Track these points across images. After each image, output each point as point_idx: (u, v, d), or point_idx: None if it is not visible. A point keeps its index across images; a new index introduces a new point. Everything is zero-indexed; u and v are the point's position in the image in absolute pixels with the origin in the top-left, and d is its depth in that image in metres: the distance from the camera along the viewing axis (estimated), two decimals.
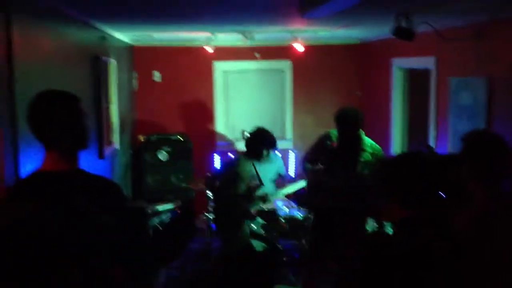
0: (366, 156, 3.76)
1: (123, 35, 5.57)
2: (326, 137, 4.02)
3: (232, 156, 5.85)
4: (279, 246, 4.71)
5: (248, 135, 4.50)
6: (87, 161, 3.62)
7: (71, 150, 1.91)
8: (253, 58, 6.71)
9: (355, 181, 3.74)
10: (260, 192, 4.69)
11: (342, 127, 3.79)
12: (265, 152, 4.44)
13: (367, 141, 3.85)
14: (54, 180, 1.85)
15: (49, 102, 1.86)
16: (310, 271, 3.99)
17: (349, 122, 3.78)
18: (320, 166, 3.97)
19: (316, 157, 4.03)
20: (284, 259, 4.66)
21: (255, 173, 4.51)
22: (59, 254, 1.82)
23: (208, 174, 5.69)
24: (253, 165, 4.48)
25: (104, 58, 4.46)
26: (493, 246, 2.02)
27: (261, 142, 4.40)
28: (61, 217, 1.80)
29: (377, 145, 3.86)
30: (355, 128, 3.79)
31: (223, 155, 6.61)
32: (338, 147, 3.85)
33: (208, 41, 5.60)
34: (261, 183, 4.55)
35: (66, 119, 1.86)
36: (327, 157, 3.90)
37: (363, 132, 3.88)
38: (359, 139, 3.81)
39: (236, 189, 4.33)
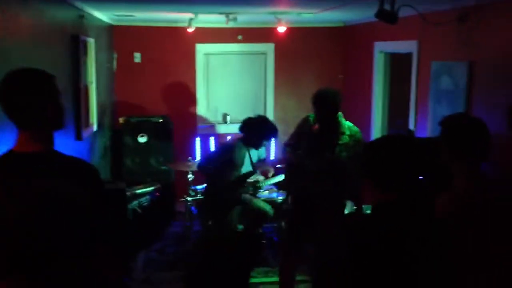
0: (345, 138, 3.73)
1: (102, 14, 5.44)
2: (306, 120, 3.98)
3: (228, 141, 5.77)
4: (259, 229, 4.72)
5: (251, 123, 4.40)
6: (64, 143, 3.55)
7: (45, 130, 1.85)
8: (235, 40, 6.64)
9: (333, 164, 3.72)
10: (252, 178, 4.67)
11: (319, 109, 3.73)
12: (265, 142, 4.41)
13: (346, 123, 3.81)
14: (26, 161, 1.79)
15: (21, 80, 1.79)
16: (286, 254, 3.99)
17: (326, 103, 3.71)
18: (299, 151, 3.94)
19: (296, 142, 4.00)
20: (264, 242, 4.68)
21: (249, 160, 4.47)
22: (35, 239, 1.78)
23: (190, 158, 5.65)
24: (248, 152, 4.44)
25: (82, 37, 4.35)
26: (474, 229, 2.04)
27: (265, 133, 4.33)
28: (34, 200, 1.76)
29: (355, 127, 3.83)
30: (333, 110, 3.73)
31: (204, 137, 6.57)
32: (316, 130, 3.82)
33: (190, 22, 5.51)
34: (254, 170, 4.51)
35: (40, 97, 1.80)
36: (306, 140, 3.87)
37: (342, 115, 3.84)
38: (337, 121, 3.76)
39: (230, 175, 4.27)
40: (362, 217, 1.86)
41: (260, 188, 4.77)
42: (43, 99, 1.80)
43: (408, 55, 4.77)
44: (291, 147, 4.04)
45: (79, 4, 4.29)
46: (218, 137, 6.74)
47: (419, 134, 4.48)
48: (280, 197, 5.00)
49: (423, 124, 4.50)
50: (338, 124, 3.75)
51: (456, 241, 1.72)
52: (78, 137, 4.15)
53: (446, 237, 1.68)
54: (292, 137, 4.09)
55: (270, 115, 6.90)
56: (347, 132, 3.74)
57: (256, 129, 4.35)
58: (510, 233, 2.12)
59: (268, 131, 4.37)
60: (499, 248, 2.08)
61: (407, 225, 1.63)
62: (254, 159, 5.84)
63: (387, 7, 3.35)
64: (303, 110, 5.34)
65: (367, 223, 1.69)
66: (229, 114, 6.80)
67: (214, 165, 4.41)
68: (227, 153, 4.36)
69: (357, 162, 3.66)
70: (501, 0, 3.38)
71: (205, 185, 4.75)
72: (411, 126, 4.69)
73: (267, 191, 5.15)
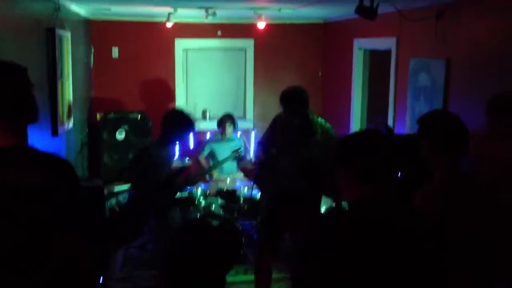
0: (317, 136, 3.73)
1: (79, 8, 5.35)
2: (278, 118, 3.96)
3: (143, 145, 5.37)
4: (238, 226, 4.70)
5: (163, 119, 3.96)
6: (40, 139, 3.47)
7: (18, 124, 1.80)
8: (215, 36, 6.60)
9: (307, 162, 3.72)
10: (195, 176, 4.42)
11: (288, 108, 3.71)
12: (181, 138, 3.98)
13: (317, 120, 3.81)
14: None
15: None
16: (262, 252, 3.99)
17: (294, 102, 3.69)
18: (273, 149, 3.91)
19: (269, 140, 3.97)
20: (243, 239, 4.66)
21: (177, 157, 4.12)
22: (6, 233, 1.73)
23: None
24: (169, 150, 4.05)
25: (58, 31, 4.26)
26: (452, 222, 2.06)
27: (176, 127, 3.89)
28: (7, 194, 1.71)
29: (327, 124, 3.83)
30: (301, 108, 3.71)
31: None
32: (288, 128, 3.79)
33: (169, 17, 5.45)
34: (182, 169, 4.13)
35: (11, 90, 1.75)
36: (279, 138, 3.85)
37: (313, 112, 3.84)
38: (308, 119, 3.75)
39: (154, 178, 3.78)
40: (344, 210, 1.85)
41: (195, 183, 4.54)
42: (14, 91, 1.75)
43: (387, 52, 4.80)
44: (264, 145, 4.02)
45: None
46: (197, 133, 6.70)
47: (398, 130, 4.52)
48: (259, 194, 5.00)
49: (401, 120, 4.54)
50: (309, 121, 3.74)
51: (438, 234, 1.73)
52: (54, 132, 4.06)
53: (429, 229, 1.68)
54: (265, 135, 4.07)
55: (250, 112, 6.88)
56: (319, 130, 3.74)
57: (166, 124, 3.90)
58: (487, 225, 2.15)
59: (178, 123, 3.89)
60: (478, 239, 2.11)
61: (390, 217, 1.63)
62: (225, 154, 5.77)
63: (366, 3, 3.37)
64: None
65: (349, 216, 1.68)
66: (209, 110, 6.76)
67: (136, 170, 3.91)
68: (146, 156, 3.89)
69: (332, 157, 3.65)
70: None
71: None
72: (390, 122, 4.73)
73: (246, 188, 5.13)
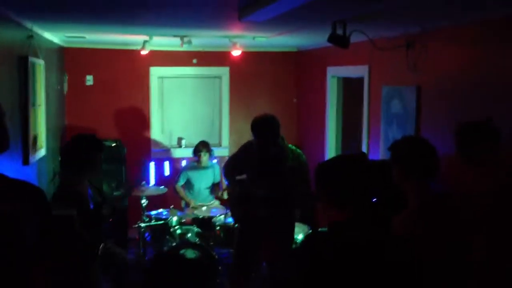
0: (288, 162, 3.75)
1: (53, 36, 5.32)
2: (250, 146, 3.97)
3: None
4: (214, 254, 4.65)
5: (66, 147, 3.49)
6: (10, 167, 3.40)
7: None
8: (190, 64, 6.64)
9: (280, 188, 3.72)
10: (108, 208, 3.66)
11: (259, 135, 3.73)
12: (97, 161, 3.46)
13: (288, 146, 3.83)
14: None
15: None
16: (235, 281, 3.95)
17: (265, 129, 3.71)
18: (244, 176, 3.90)
19: (238, 166, 3.96)
20: (220, 267, 4.60)
21: (94, 187, 3.63)
22: None
23: (143, 183, 5.51)
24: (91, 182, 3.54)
25: (31, 59, 4.22)
26: (426, 245, 2.08)
27: (87, 151, 3.36)
28: None
29: (298, 150, 3.86)
30: (273, 135, 3.73)
31: (158, 162, 6.48)
32: (259, 155, 3.80)
33: (144, 45, 5.47)
34: (103, 200, 3.60)
35: None
36: (251, 166, 3.86)
37: (284, 138, 3.87)
38: (279, 146, 3.77)
39: (74, 213, 2.96)
40: (319, 234, 1.85)
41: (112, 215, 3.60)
42: None
43: (360, 80, 4.90)
44: (232, 171, 4.01)
45: (28, 24, 4.17)
46: (173, 161, 6.66)
47: (372, 156, 4.57)
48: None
49: (375, 146, 4.60)
50: (280, 148, 3.77)
51: (412, 258, 1.74)
52: (25, 161, 3.98)
53: (403, 254, 1.69)
54: (234, 164, 4.05)
55: (225, 139, 6.89)
56: (290, 156, 3.77)
57: (73, 152, 3.38)
58: (460, 246, 2.18)
59: (88, 147, 3.38)
60: (452, 261, 2.13)
61: (365, 242, 1.63)
62: (201, 181, 5.73)
63: (339, 32, 3.44)
64: None
65: (325, 240, 1.68)
66: (184, 138, 6.74)
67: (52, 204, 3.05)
68: (64, 187, 3.38)
69: (305, 184, 3.70)
70: (443, 27, 3.54)
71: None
72: (364, 148, 4.79)
73: (222, 216, 5.09)
